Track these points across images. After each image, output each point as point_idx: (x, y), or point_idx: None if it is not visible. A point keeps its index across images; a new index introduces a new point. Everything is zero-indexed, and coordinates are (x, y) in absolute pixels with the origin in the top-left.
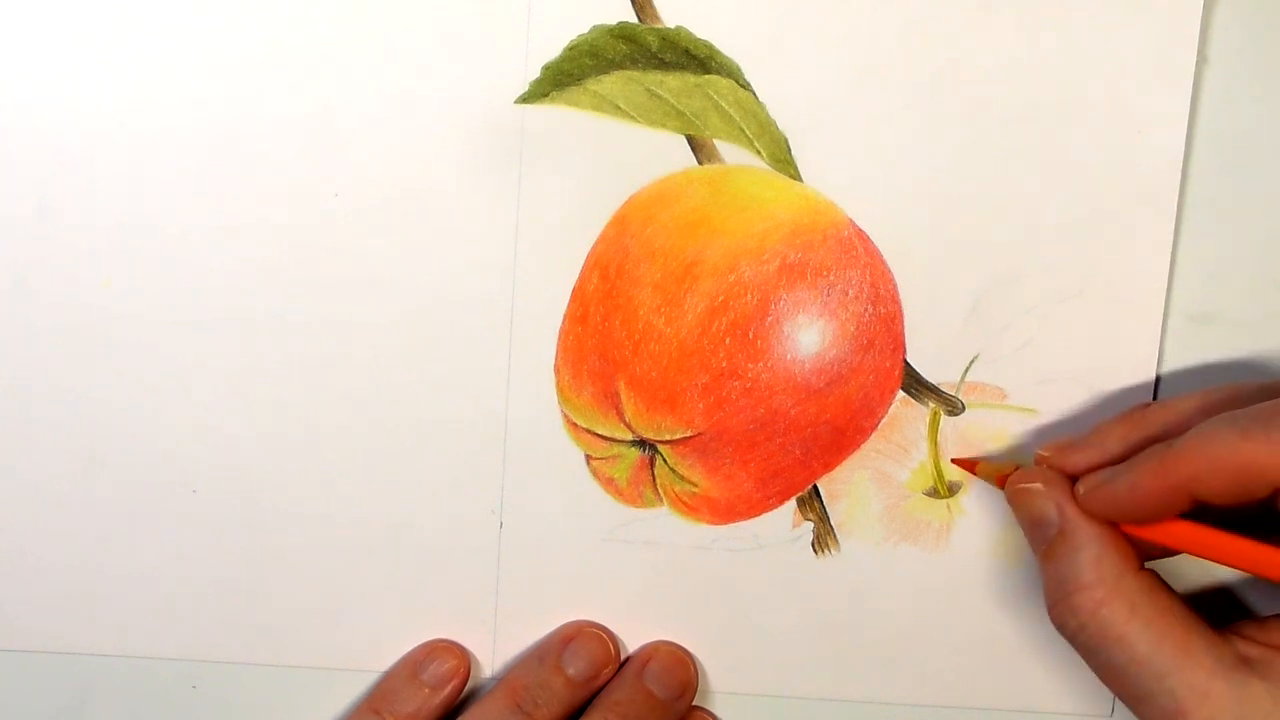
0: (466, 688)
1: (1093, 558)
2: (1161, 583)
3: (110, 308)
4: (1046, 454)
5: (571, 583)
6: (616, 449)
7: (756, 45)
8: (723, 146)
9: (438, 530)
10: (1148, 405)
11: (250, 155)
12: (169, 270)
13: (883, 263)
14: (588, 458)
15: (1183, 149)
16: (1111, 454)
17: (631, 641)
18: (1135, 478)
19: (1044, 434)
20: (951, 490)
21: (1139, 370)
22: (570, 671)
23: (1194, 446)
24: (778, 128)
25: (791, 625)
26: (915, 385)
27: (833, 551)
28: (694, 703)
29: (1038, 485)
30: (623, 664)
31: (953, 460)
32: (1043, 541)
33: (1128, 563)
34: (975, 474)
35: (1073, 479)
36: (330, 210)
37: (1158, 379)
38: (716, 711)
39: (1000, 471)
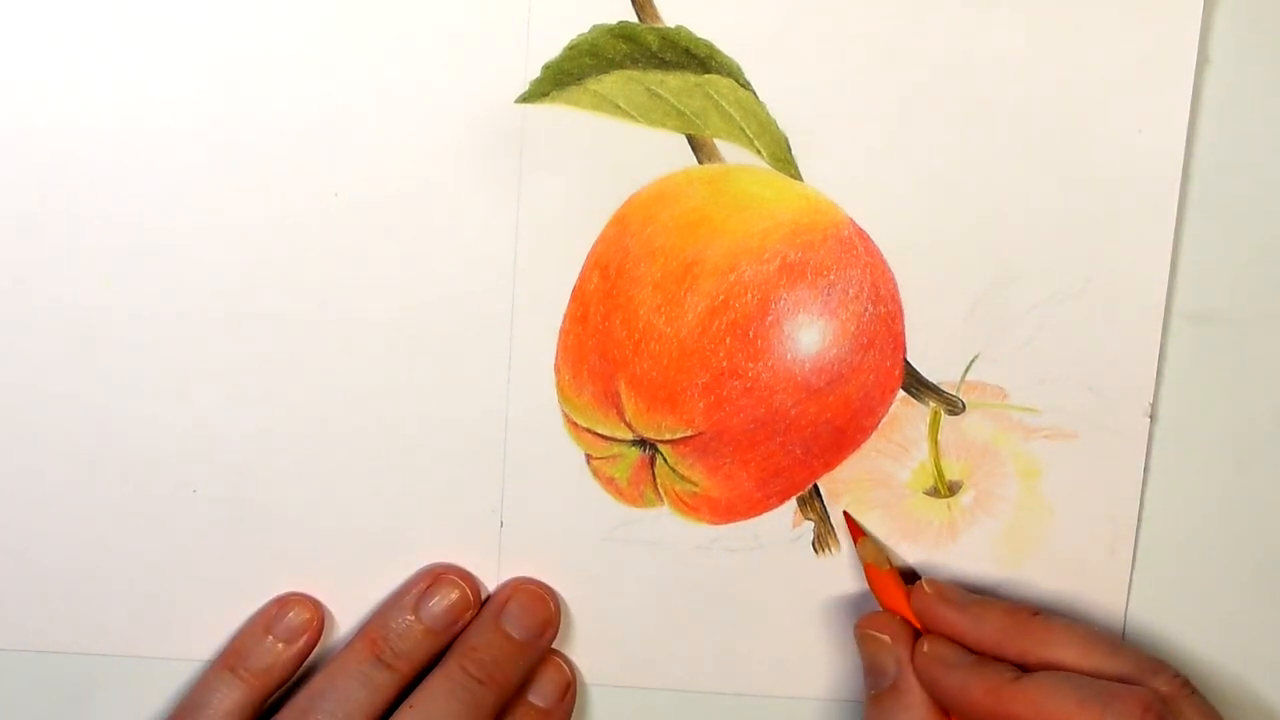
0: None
1: (916, 718)
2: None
3: (110, 308)
4: (928, 591)
5: (572, 582)
6: (617, 448)
7: (757, 45)
8: (723, 146)
9: (438, 529)
10: (1036, 615)
11: (250, 155)
12: (169, 270)
13: (883, 262)
14: (588, 457)
15: (1183, 149)
16: (980, 637)
17: (632, 640)
18: (972, 684)
19: (1043, 433)
20: (952, 490)
21: (1139, 370)
22: (428, 619)
23: (1032, 694)
24: (778, 127)
25: (792, 625)
26: (916, 385)
27: (833, 551)
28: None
29: (885, 637)
30: (483, 604)
31: (844, 513)
32: (875, 687)
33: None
34: (855, 544)
35: (916, 633)
36: (330, 210)
37: (1158, 379)
38: (717, 712)
39: (875, 562)
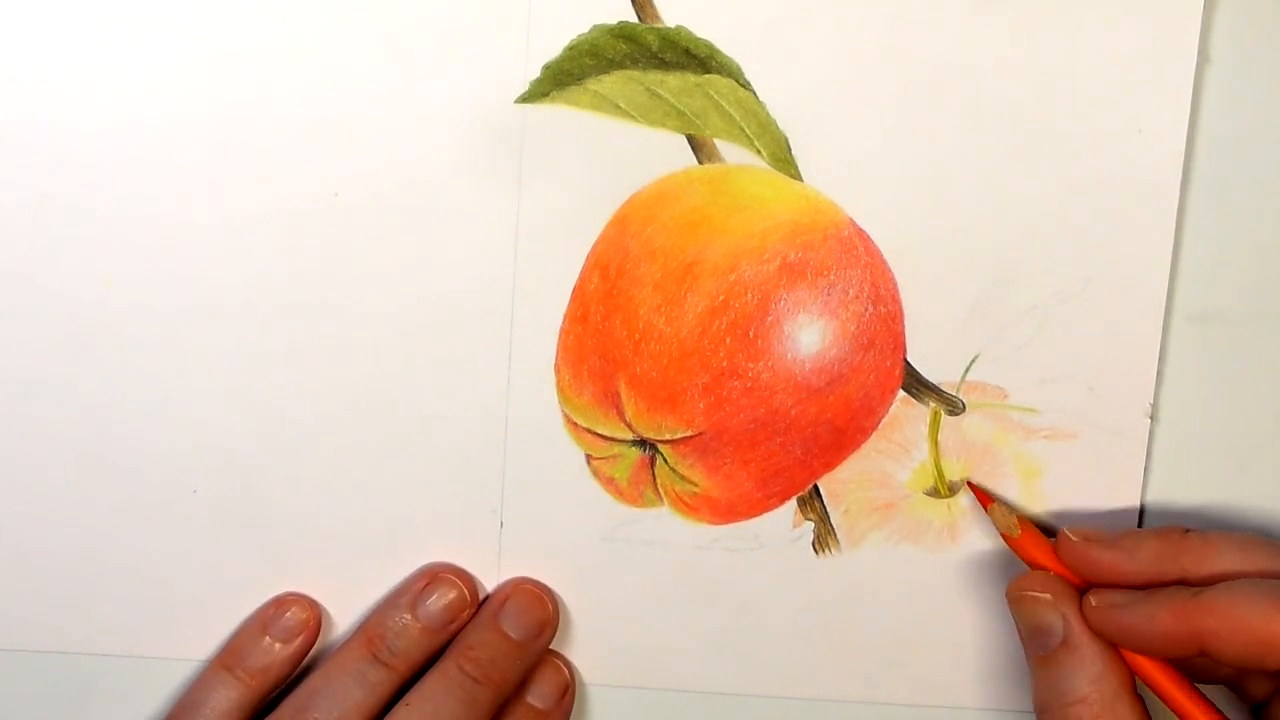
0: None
1: (1095, 675)
2: (1148, 714)
3: (111, 306)
4: (1074, 540)
5: (572, 582)
6: (617, 449)
7: (757, 45)
8: (723, 146)
9: (438, 529)
10: (1187, 531)
11: (250, 155)
12: (169, 270)
13: (883, 262)
14: (588, 457)
15: (1183, 148)
16: (1139, 567)
17: (632, 640)
18: (1155, 612)
19: (1043, 433)
20: (952, 490)
21: (1139, 370)
22: (425, 618)
23: (1223, 604)
24: (778, 127)
25: (792, 625)
26: (916, 385)
27: (833, 551)
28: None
29: (1046, 595)
30: (481, 603)
31: (969, 484)
32: (1042, 649)
33: (1124, 686)
34: (987, 511)
35: (1079, 589)
36: (330, 210)
37: (1158, 379)
38: (717, 712)
39: (1008, 530)
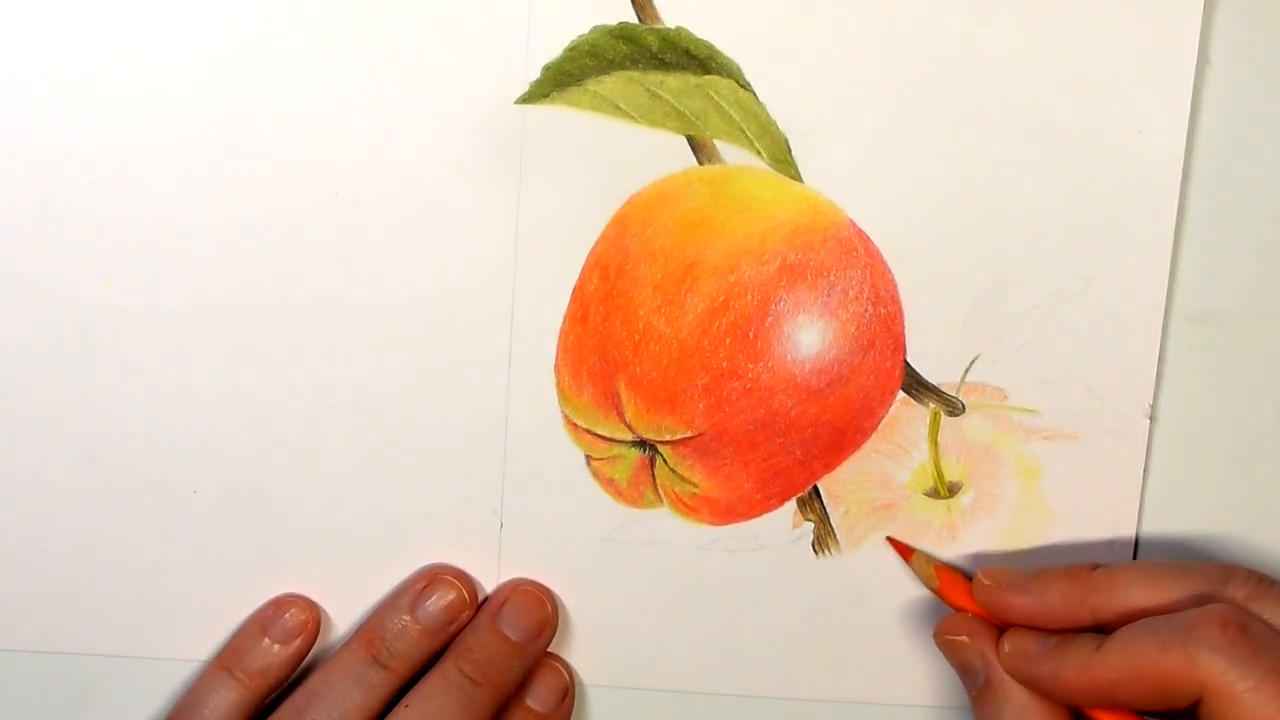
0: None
1: (1018, 709)
2: None
3: (111, 306)
4: (987, 584)
5: (572, 583)
6: (617, 449)
7: (757, 46)
8: (723, 147)
9: (438, 530)
10: (1095, 569)
11: (251, 155)
12: (169, 270)
13: (883, 263)
14: (588, 458)
15: (1183, 149)
16: (1049, 608)
17: (632, 641)
18: (1059, 668)
19: (1043, 434)
20: (952, 491)
21: (1139, 370)
22: (424, 619)
23: (1116, 655)
24: (778, 128)
25: (792, 626)
26: (915, 386)
27: (833, 552)
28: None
29: (963, 638)
30: (481, 605)
31: (887, 539)
32: (972, 688)
33: (1053, 716)
34: (909, 563)
35: (999, 628)
36: (331, 210)
37: (1158, 379)
38: (717, 713)
39: (927, 580)
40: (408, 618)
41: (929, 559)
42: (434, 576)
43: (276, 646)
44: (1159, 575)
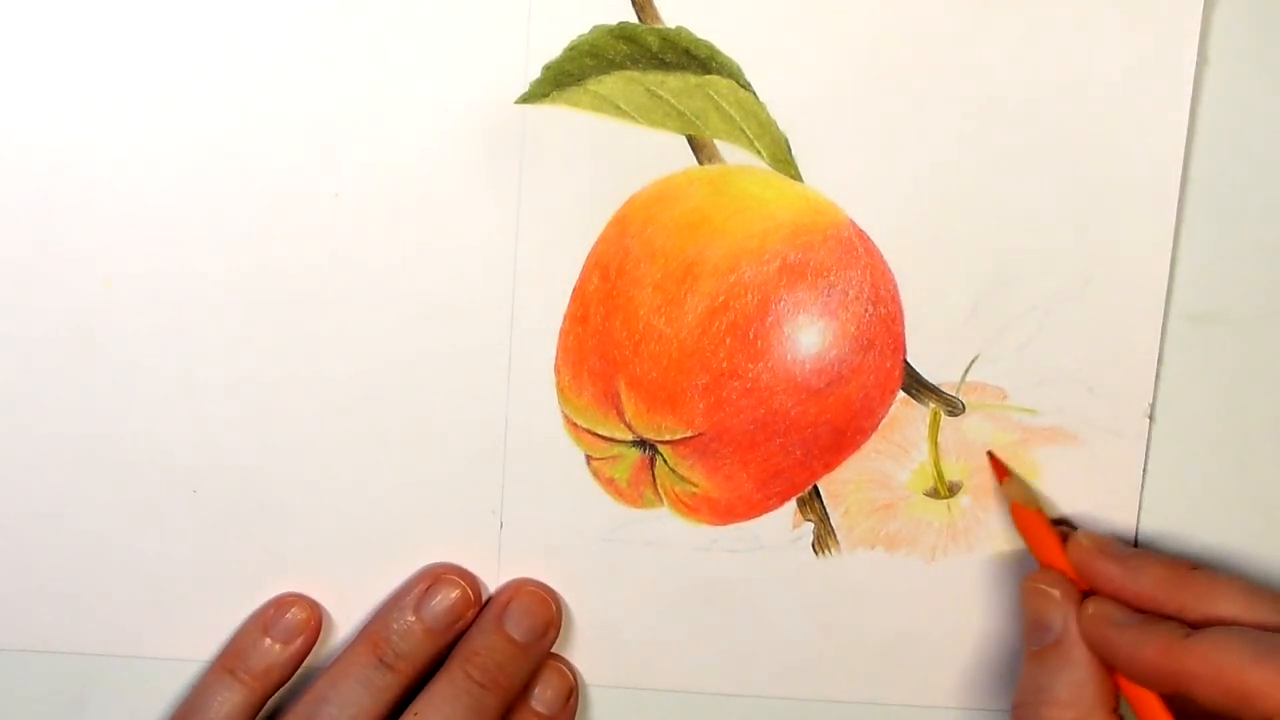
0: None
1: (1077, 681)
2: None
3: (110, 308)
4: (1084, 544)
5: (572, 583)
6: (617, 449)
7: (757, 45)
8: (723, 147)
9: (438, 530)
10: (1195, 569)
11: (250, 155)
12: (169, 271)
13: (883, 263)
14: (588, 458)
15: (1183, 149)
16: (1139, 590)
17: (632, 641)
18: (1143, 643)
19: (1043, 433)
20: (952, 490)
21: (1139, 370)
22: (429, 619)
23: (1206, 650)
24: (778, 128)
25: (792, 626)
26: (915, 385)
27: (833, 552)
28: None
29: (1055, 592)
30: (484, 606)
31: (988, 454)
32: (1037, 642)
33: (1105, 700)
34: (1001, 484)
35: (1084, 592)
36: (330, 210)
37: (1157, 379)
38: (717, 713)
39: (1022, 502)
40: (412, 618)
41: (1025, 489)
42: (437, 576)
43: (278, 646)
44: (1256, 597)
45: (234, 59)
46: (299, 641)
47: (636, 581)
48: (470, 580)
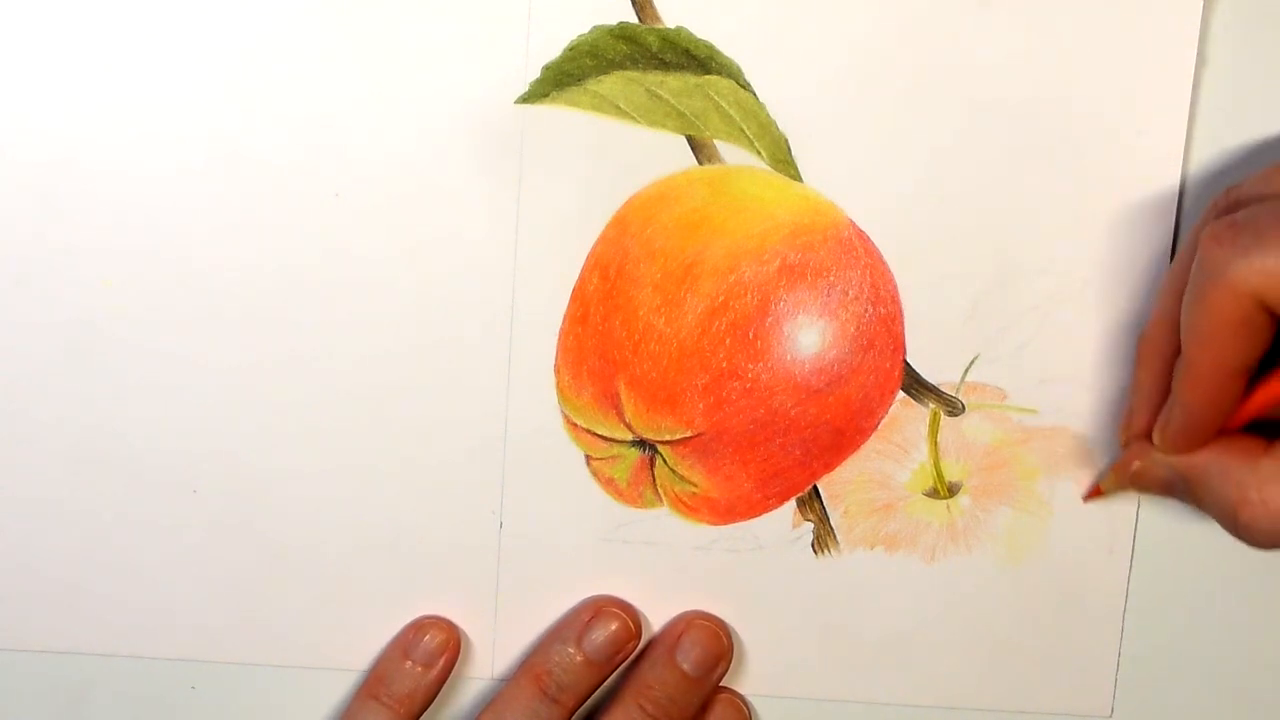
0: (459, 660)
1: (1222, 473)
2: None
3: (110, 308)
4: (1125, 437)
5: (571, 583)
6: (616, 449)
7: (757, 46)
8: (723, 147)
9: (438, 530)
10: (1145, 332)
11: (250, 155)
12: (169, 271)
13: (883, 263)
14: (588, 458)
15: (1182, 149)
16: (1159, 393)
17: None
18: (1181, 400)
19: (1043, 434)
20: (951, 491)
21: None
22: (590, 651)
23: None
24: (778, 128)
25: (791, 625)
26: (915, 386)
27: (833, 552)
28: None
29: (1137, 464)
30: (655, 639)
31: (1085, 499)
32: (1184, 495)
33: (1253, 452)
34: (1105, 494)
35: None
36: (330, 210)
37: None
38: None
39: (1108, 487)
40: (573, 650)
41: (1116, 481)
42: (598, 609)
43: (420, 669)
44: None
45: (235, 59)
46: (440, 663)
47: (636, 581)
48: (630, 612)
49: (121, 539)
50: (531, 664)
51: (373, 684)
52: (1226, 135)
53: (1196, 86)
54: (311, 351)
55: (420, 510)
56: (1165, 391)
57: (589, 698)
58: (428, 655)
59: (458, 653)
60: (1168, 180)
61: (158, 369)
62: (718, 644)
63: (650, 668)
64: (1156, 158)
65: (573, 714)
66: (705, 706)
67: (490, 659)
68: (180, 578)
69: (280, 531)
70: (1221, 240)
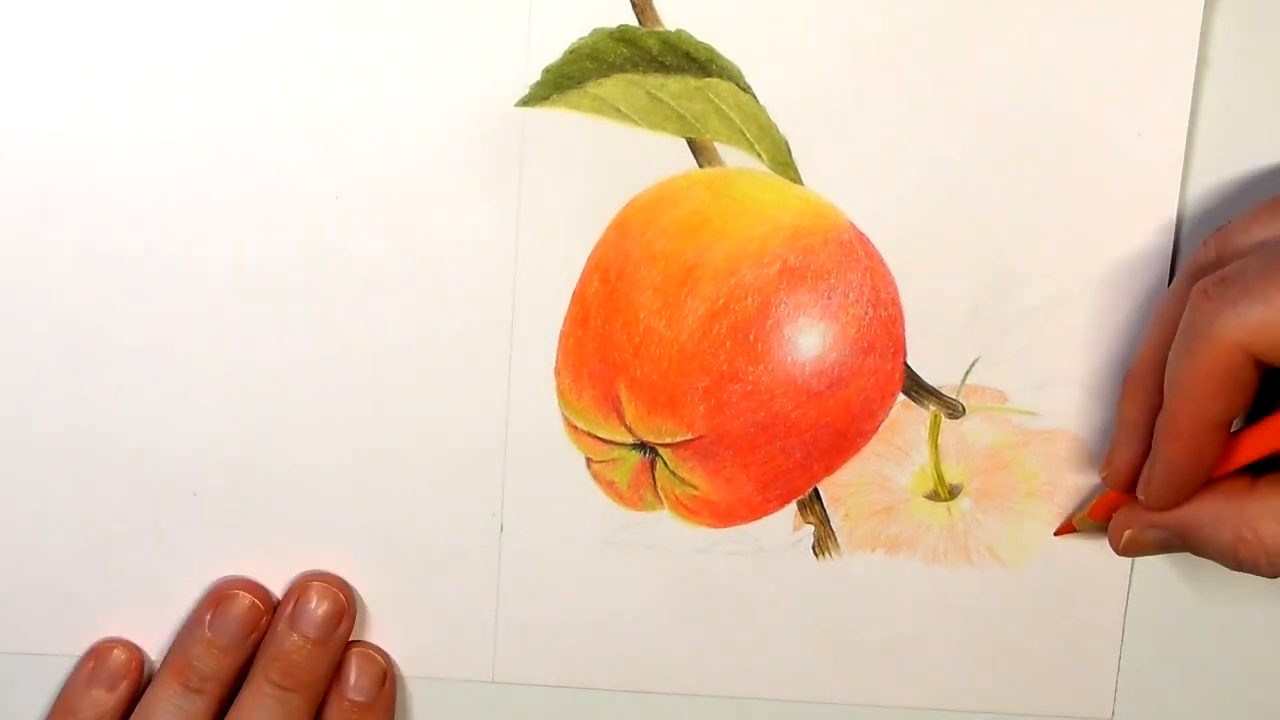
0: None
1: (1214, 520)
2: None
3: (110, 308)
4: (1105, 474)
5: (572, 586)
6: (617, 452)
7: (757, 48)
8: (723, 149)
9: (438, 533)
10: (1131, 370)
11: (251, 157)
12: (169, 273)
13: (883, 266)
14: (588, 461)
15: (1183, 151)
16: (1144, 431)
17: (632, 644)
18: (1164, 455)
19: (1043, 436)
20: (952, 493)
21: None
22: (222, 637)
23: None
24: (778, 131)
25: (792, 628)
26: (916, 388)
27: (833, 554)
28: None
29: (1128, 533)
30: (275, 607)
31: (1056, 533)
32: (1182, 548)
33: (1238, 493)
34: (1076, 533)
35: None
36: (331, 213)
37: None
38: (718, 716)
39: (1078, 523)
40: (210, 636)
41: (1088, 519)
42: (222, 593)
43: (105, 693)
44: (1167, 320)
45: (235, 60)
46: (123, 685)
47: (637, 584)
48: (256, 589)
49: (121, 542)
50: (171, 658)
51: (58, 712)
52: (1228, 137)
53: (1198, 89)
54: (312, 352)
55: (421, 513)
56: (1150, 430)
57: (234, 681)
58: (112, 677)
59: (141, 670)
60: (1168, 183)
61: (158, 371)
62: (336, 602)
63: (273, 638)
64: (1157, 160)
65: (222, 700)
66: (340, 664)
67: (490, 661)
68: (180, 581)
69: (280, 534)
70: (1210, 295)
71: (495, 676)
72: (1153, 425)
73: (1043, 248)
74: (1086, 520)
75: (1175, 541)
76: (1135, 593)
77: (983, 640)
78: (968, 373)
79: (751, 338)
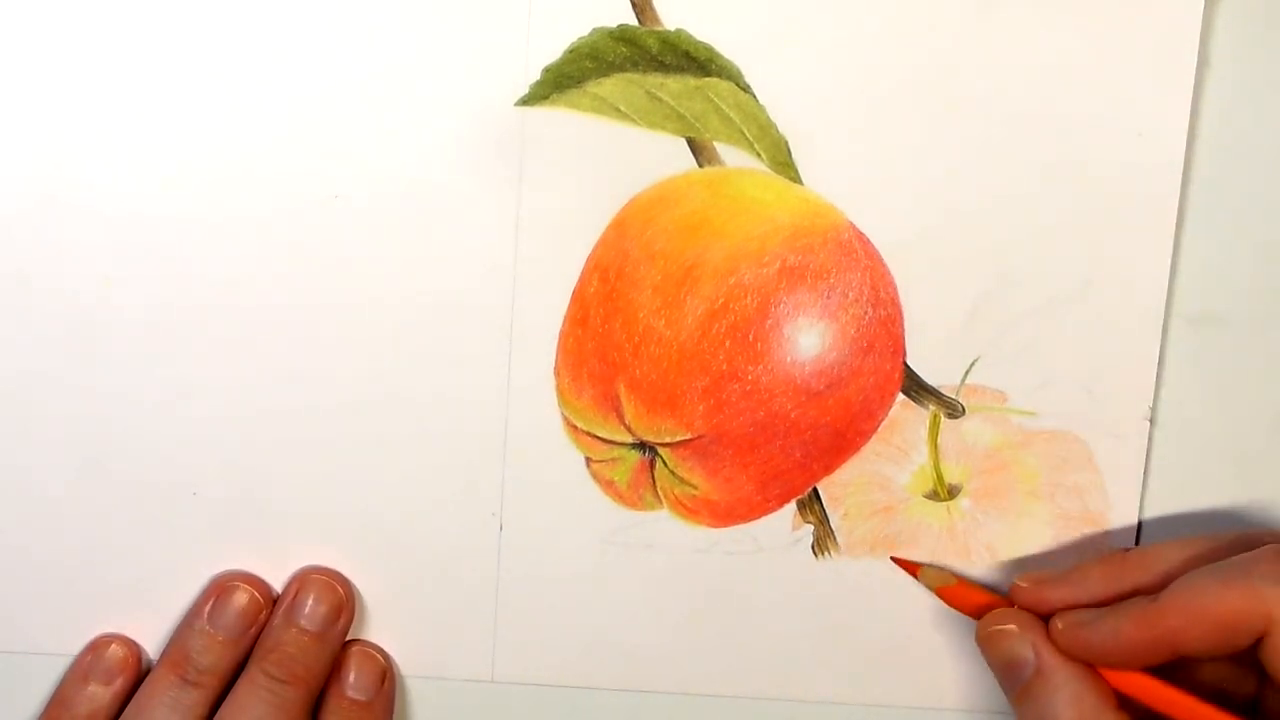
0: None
1: (1072, 697)
2: None
3: (110, 307)
4: (1025, 585)
5: (571, 585)
6: (616, 451)
7: (757, 48)
8: (723, 149)
9: (438, 532)
10: (1128, 551)
11: (251, 156)
12: (169, 271)
13: (883, 265)
14: (588, 460)
15: (1183, 151)
16: (1092, 594)
17: (632, 643)
18: (1119, 624)
19: (1043, 436)
20: (951, 493)
21: (1139, 372)
22: (222, 628)
23: (1178, 599)
24: (778, 130)
25: (792, 628)
26: (915, 388)
27: (833, 554)
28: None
29: (1011, 627)
30: (276, 601)
31: (892, 558)
32: (1017, 682)
33: (1105, 701)
34: (917, 579)
35: (1044, 617)
36: (330, 212)
37: (1157, 381)
38: (716, 715)
39: (943, 583)
40: (209, 629)
41: (938, 571)
42: (222, 585)
43: (101, 688)
44: (1192, 543)
45: (235, 61)
46: (119, 681)
47: (636, 584)
48: (257, 583)
49: (121, 541)
50: (168, 651)
51: (53, 708)
52: (1228, 137)
53: (1198, 88)
54: (312, 354)
55: (421, 513)
56: (1101, 601)
57: (232, 675)
58: (108, 673)
59: (139, 665)
60: (1169, 182)
61: (158, 370)
62: (335, 596)
63: (271, 631)
64: (1157, 160)
65: (218, 694)
66: (339, 661)
67: (490, 660)
68: (180, 580)
69: (280, 533)
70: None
71: (494, 676)
72: (1107, 600)
73: (1042, 247)
74: (936, 581)
75: (1026, 673)
76: None
77: None
78: (967, 373)
79: (751, 337)
